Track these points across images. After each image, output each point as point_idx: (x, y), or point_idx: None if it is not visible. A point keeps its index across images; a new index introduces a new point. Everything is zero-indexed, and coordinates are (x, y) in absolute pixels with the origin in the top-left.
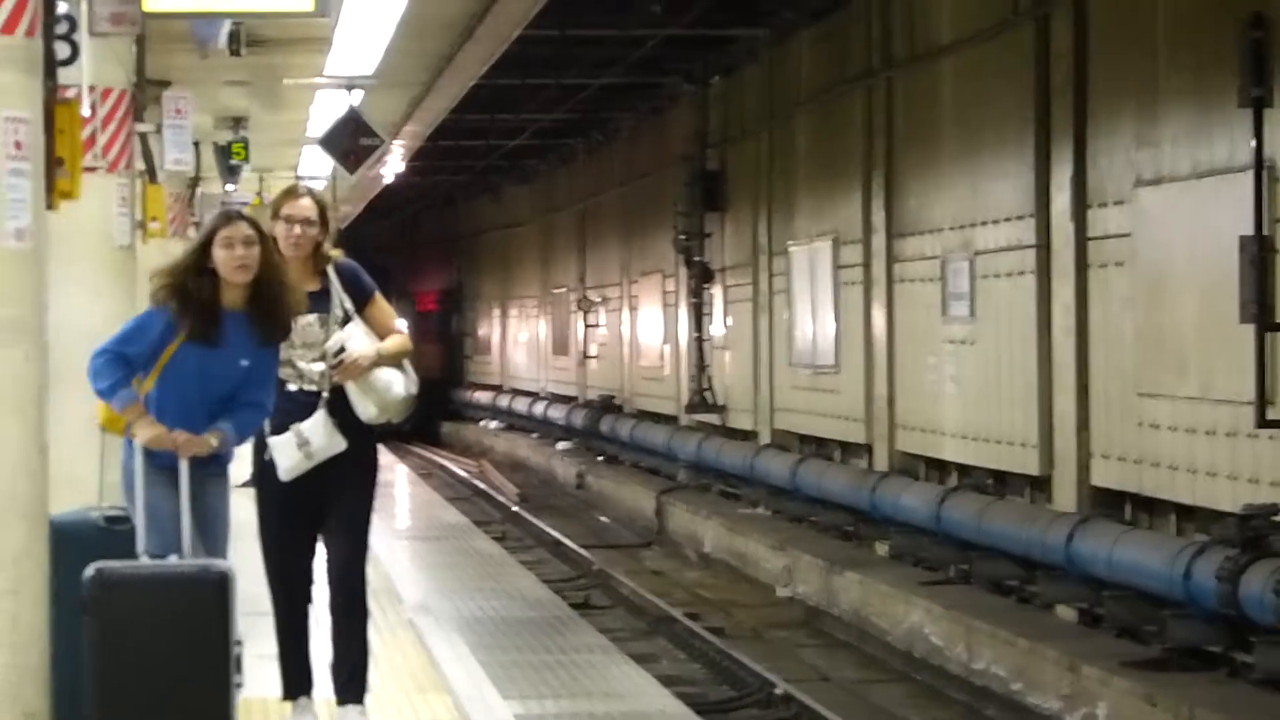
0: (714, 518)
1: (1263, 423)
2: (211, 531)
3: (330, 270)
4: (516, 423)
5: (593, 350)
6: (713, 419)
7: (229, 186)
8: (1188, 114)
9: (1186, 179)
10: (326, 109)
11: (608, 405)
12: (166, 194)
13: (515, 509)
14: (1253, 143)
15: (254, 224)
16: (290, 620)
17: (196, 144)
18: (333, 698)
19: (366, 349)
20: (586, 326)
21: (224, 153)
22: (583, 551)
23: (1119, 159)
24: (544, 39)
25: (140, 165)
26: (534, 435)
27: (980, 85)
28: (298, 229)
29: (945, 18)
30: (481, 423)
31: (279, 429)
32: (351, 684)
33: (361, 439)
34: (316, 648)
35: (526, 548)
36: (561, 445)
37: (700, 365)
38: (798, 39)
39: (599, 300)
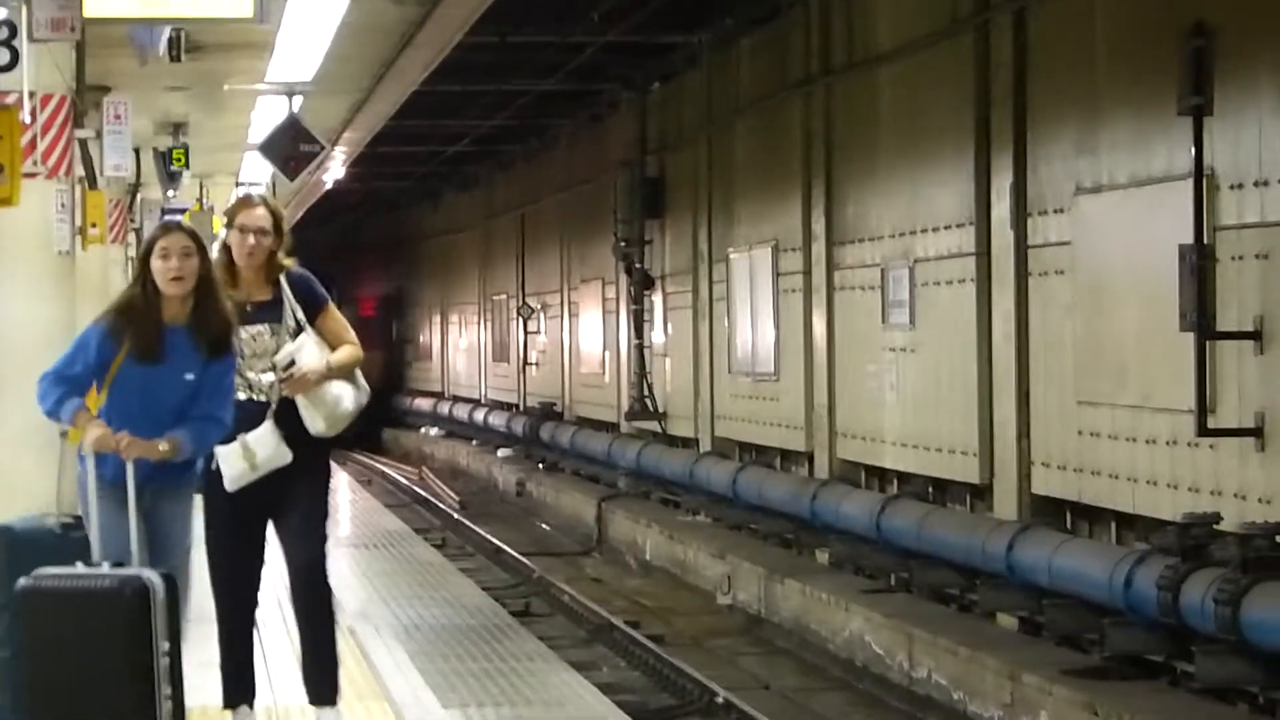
0: (654, 525)
1: (1203, 431)
2: (165, 547)
3: (283, 279)
4: (457, 430)
5: (533, 357)
6: (653, 426)
7: (170, 192)
8: (1127, 122)
9: (1126, 187)
10: (267, 115)
11: (548, 412)
12: (106, 200)
13: (456, 516)
14: (1192, 151)
15: (193, 235)
16: (233, 629)
17: (136, 150)
18: (273, 705)
19: (316, 363)
20: (526, 333)
21: (164, 158)
22: (523, 559)
23: (1059, 167)
24: (484, 45)
25: (80, 171)
26: (474, 442)
27: (920, 93)
28: (252, 239)
29: (885, 25)
30: (422, 430)
31: (226, 438)
32: (323, 686)
33: (312, 449)
34: (261, 656)
35: (467, 555)
36: (502, 452)
37: (641, 372)
38: (737, 46)
39: (539, 307)
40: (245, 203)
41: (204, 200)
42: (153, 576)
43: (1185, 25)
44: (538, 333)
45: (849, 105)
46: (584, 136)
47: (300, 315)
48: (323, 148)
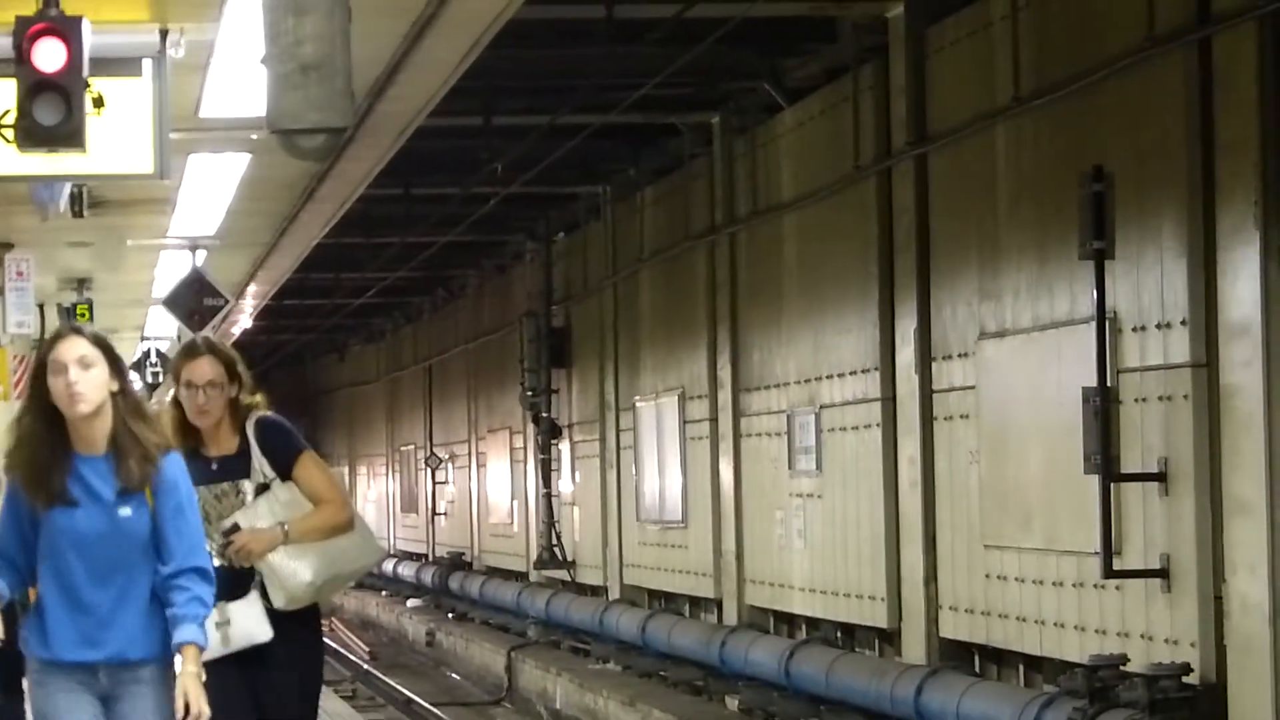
0: (564, 674)
1: (1109, 573)
2: None
3: (249, 428)
4: (366, 580)
5: (441, 507)
6: (562, 575)
7: None
8: (1029, 267)
9: (1029, 331)
10: (171, 269)
11: (457, 562)
12: (10, 357)
13: (366, 667)
14: (1094, 294)
15: (96, 339)
16: None
17: (40, 306)
18: None
19: (265, 530)
20: (435, 484)
21: (68, 314)
22: (433, 709)
23: (962, 312)
24: (387, 198)
25: None
26: (384, 593)
27: (823, 240)
28: (202, 395)
29: (787, 174)
30: None
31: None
32: None
33: (296, 625)
34: None
35: (377, 706)
36: (412, 603)
37: (549, 521)
38: (640, 196)
39: (447, 457)
40: (188, 353)
41: None
42: None
43: (1085, 170)
44: (446, 483)
45: (753, 253)
46: (490, 287)
47: (268, 470)
48: (227, 301)
